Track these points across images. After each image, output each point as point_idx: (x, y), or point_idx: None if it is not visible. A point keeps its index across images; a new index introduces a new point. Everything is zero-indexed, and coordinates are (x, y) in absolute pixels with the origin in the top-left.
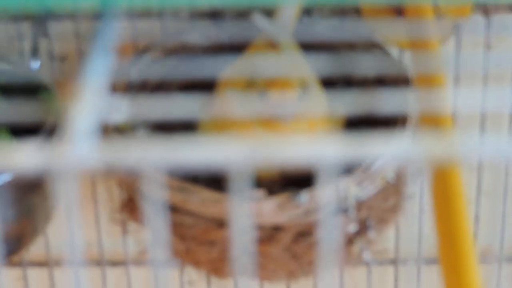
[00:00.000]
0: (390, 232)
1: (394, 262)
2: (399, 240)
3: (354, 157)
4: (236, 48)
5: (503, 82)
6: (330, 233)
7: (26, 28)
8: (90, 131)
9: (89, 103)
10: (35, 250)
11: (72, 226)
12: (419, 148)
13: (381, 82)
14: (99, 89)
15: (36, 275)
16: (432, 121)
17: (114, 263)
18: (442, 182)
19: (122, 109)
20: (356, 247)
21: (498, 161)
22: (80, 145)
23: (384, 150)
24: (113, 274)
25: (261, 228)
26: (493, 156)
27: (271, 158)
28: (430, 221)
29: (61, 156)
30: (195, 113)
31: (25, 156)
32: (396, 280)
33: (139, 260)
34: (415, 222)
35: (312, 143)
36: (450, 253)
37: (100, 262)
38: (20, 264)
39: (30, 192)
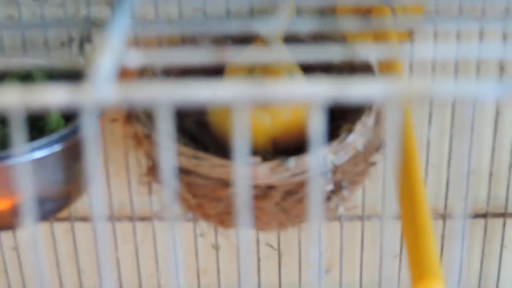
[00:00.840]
0: (358, 193)
1: (361, 218)
2: (365, 200)
3: (339, 95)
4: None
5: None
6: (312, 191)
7: (74, 34)
8: (110, 74)
9: (110, 52)
10: (80, 207)
11: (92, 161)
12: (394, 87)
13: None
14: (119, 42)
15: (81, 228)
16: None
17: (142, 218)
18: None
19: (139, 57)
20: (333, 203)
21: (462, 99)
22: (100, 85)
23: (364, 90)
24: (141, 227)
25: (257, 187)
26: (456, 95)
27: (268, 97)
28: (391, 184)
29: (84, 95)
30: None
31: (53, 95)
32: (362, 232)
33: (162, 216)
34: (379, 185)
35: (303, 84)
36: (408, 210)
37: (131, 218)
38: (68, 218)
39: (77, 159)
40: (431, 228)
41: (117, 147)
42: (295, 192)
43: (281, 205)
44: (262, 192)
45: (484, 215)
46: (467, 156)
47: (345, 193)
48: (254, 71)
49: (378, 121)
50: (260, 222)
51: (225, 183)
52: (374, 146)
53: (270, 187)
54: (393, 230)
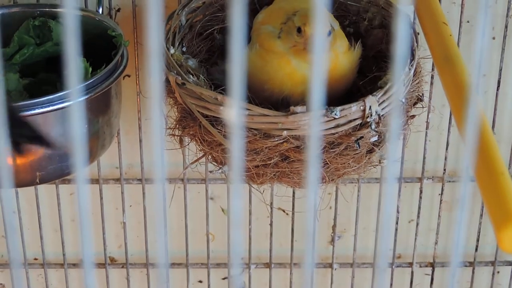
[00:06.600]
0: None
1: (379, 181)
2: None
3: None
4: None
5: None
6: (355, 143)
7: None
8: None
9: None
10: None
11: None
12: None
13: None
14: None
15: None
16: None
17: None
18: None
19: (175, 45)
20: (376, 156)
21: None
22: None
23: None
24: (151, 189)
25: (298, 138)
26: None
27: None
28: (410, 146)
29: None
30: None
31: None
32: (380, 196)
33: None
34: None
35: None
36: (482, 155)
37: (140, 179)
38: (74, 181)
39: (100, 113)
40: (507, 172)
41: (129, 105)
42: (337, 144)
43: (321, 158)
44: (304, 143)
45: None
46: (490, 119)
47: (388, 145)
48: (292, 17)
49: (417, 73)
50: (298, 175)
51: (265, 135)
52: (414, 99)
53: None
54: (410, 192)
